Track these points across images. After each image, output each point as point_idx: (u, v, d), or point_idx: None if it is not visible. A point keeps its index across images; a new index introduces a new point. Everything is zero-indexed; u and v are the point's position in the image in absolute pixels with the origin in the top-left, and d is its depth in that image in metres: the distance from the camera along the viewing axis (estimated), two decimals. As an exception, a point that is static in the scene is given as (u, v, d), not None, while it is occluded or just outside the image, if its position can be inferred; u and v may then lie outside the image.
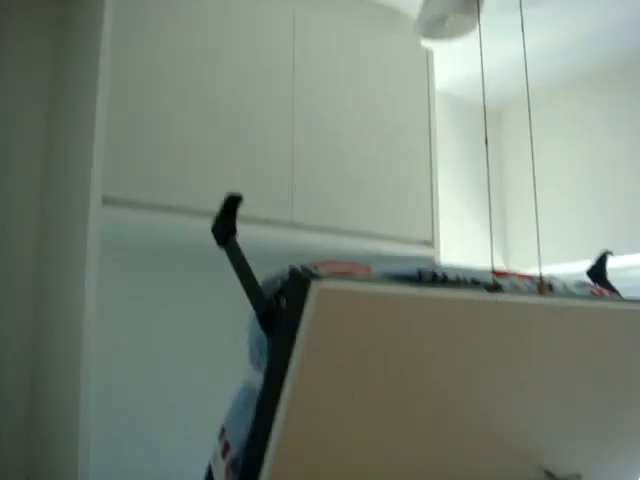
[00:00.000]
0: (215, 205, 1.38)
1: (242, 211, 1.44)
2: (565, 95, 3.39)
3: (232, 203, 1.27)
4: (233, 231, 1.26)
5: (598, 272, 1.71)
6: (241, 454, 1.18)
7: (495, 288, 1.21)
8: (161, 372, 2.21)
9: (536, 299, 1.33)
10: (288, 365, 1.05)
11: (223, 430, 1.27)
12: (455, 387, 1.26)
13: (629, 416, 1.61)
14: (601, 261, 1.72)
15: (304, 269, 1.06)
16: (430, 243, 2.31)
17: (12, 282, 1.98)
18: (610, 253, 1.72)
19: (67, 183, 1.88)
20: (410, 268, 1.22)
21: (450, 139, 3.34)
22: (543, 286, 1.33)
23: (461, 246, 3.27)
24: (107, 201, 1.70)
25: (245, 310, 1.23)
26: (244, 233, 1.31)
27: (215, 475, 1.25)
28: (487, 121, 3.53)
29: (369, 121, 2.22)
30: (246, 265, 1.21)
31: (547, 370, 1.40)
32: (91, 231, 1.66)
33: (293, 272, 1.07)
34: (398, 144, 2.28)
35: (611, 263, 1.73)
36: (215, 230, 1.28)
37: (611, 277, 1.70)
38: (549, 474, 1.47)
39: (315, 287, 1.01)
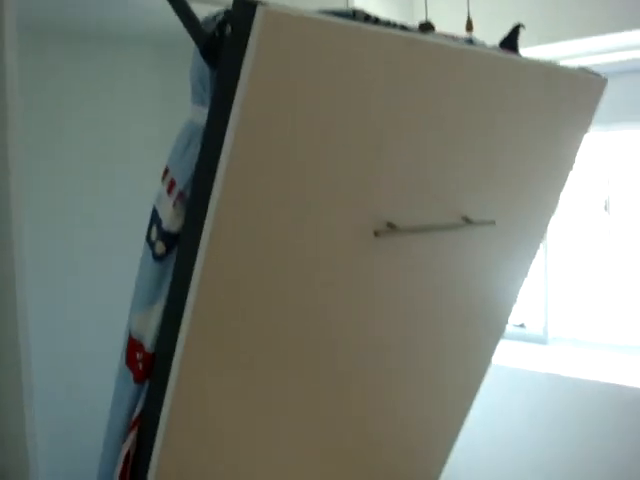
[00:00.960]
0: None
1: None
2: None
3: None
4: None
5: (511, 43, 1.77)
6: (188, 186, 1.25)
7: (427, 27, 1.27)
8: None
9: (461, 45, 1.41)
10: (234, 92, 1.09)
11: (166, 170, 1.32)
12: (388, 135, 1.34)
13: (538, 170, 1.76)
14: (514, 32, 1.78)
15: (248, -1, 1.08)
16: None
17: None
18: (522, 26, 1.78)
19: None
20: (345, 9, 1.26)
21: None
22: (470, 23, 1.39)
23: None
24: None
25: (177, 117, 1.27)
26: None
27: (161, 214, 1.31)
28: None
29: None
30: (185, 2, 1.21)
31: (467, 127, 1.50)
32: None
33: (237, 1, 1.08)
34: None
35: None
36: None
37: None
38: (466, 219, 1.61)
39: (261, 11, 1.04)
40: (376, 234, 1.37)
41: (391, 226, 1.42)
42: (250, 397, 1.43)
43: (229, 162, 1.12)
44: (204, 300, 1.22)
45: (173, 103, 2.33)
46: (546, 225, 1.95)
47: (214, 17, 1.20)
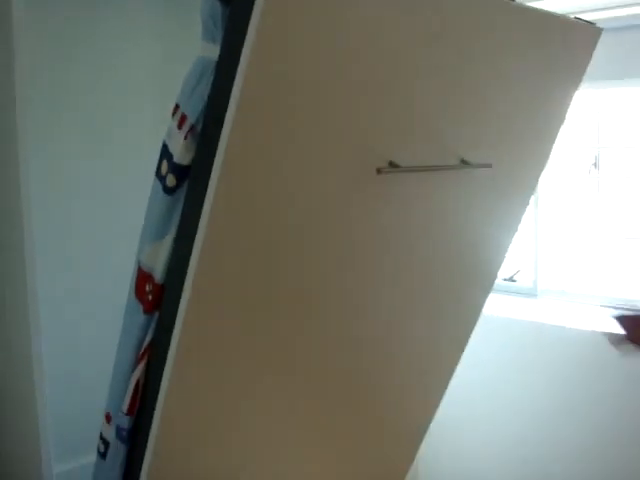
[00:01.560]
0: None
1: None
2: None
3: None
4: None
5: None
6: (199, 120, 1.29)
7: None
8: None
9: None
10: (247, 29, 1.13)
11: (177, 106, 1.36)
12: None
13: (533, 117, 1.81)
14: None
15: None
16: None
17: None
18: None
19: None
20: None
21: None
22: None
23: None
24: None
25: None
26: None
27: (171, 148, 1.36)
28: None
29: None
30: None
31: (465, 70, 1.55)
32: None
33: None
34: None
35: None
36: None
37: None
38: (464, 162, 1.65)
39: None
40: (378, 171, 1.42)
41: (393, 165, 1.47)
42: (254, 338, 1.49)
43: (241, 96, 1.16)
44: (214, 230, 1.27)
45: (176, 39, 2.36)
46: (538, 177, 2.00)
47: None
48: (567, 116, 1.91)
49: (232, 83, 1.17)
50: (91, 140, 2.42)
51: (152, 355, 1.45)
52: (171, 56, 2.40)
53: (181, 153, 1.31)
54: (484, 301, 2.10)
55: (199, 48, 1.33)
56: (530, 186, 2.02)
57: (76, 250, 2.47)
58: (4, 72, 1.61)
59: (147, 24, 2.44)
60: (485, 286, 2.07)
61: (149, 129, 2.27)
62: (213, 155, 1.21)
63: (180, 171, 1.33)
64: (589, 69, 1.85)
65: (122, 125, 2.49)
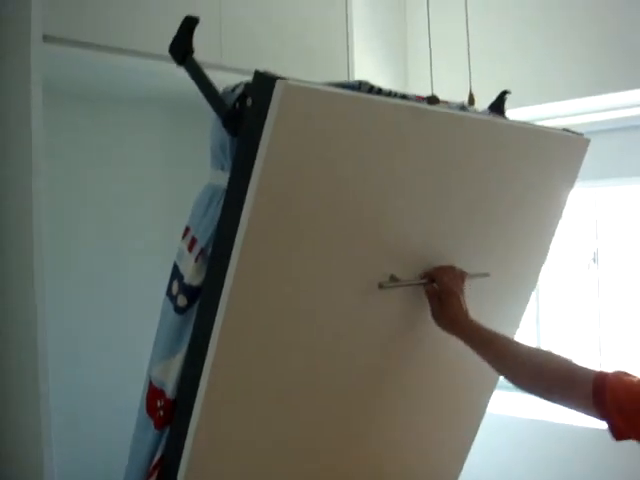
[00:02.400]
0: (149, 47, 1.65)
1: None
2: None
3: (189, 24, 1.34)
4: (190, 50, 1.34)
5: (498, 108, 1.91)
6: (209, 243, 1.35)
7: (434, 100, 1.40)
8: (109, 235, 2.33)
9: (461, 113, 1.54)
10: (254, 159, 1.20)
11: (187, 229, 1.43)
12: (388, 188, 1.47)
13: (529, 224, 1.88)
14: (500, 98, 1.92)
15: (267, 72, 1.20)
16: None
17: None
18: (508, 92, 1.92)
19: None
20: (351, 81, 1.39)
21: None
22: (472, 96, 1.54)
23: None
24: (49, 39, 1.67)
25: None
26: (178, 75, 1.41)
27: (182, 269, 1.41)
28: None
29: None
30: (206, 77, 1.32)
31: (463, 188, 1.63)
32: (34, 67, 1.64)
33: (258, 73, 1.20)
34: None
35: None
36: (172, 50, 1.35)
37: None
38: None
39: (280, 85, 1.16)
40: (380, 286, 1.48)
41: (394, 279, 1.52)
42: (268, 444, 1.51)
43: (249, 222, 1.23)
44: (224, 350, 1.31)
45: (181, 164, 2.46)
46: (537, 275, 2.05)
47: (233, 89, 1.33)
48: (563, 216, 1.98)
49: (241, 209, 1.23)
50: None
51: (162, 472, 1.47)
52: (176, 162, 2.50)
53: (192, 275, 1.37)
54: (488, 399, 2.12)
55: (208, 175, 1.41)
56: (530, 285, 2.07)
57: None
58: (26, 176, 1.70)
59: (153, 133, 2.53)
60: (488, 386, 2.09)
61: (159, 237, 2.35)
62: (223, 278, 1.27)
63: (191, 292, 1.38)
64: (586, 168, 1.93)
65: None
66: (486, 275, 1.75)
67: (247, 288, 1.29)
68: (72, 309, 2.24)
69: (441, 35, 2.83)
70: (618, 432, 1.39)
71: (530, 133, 1.77)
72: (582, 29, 2.84)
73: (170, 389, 1.43)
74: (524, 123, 1.79)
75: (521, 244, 1.89)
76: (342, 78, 2.21)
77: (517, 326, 2.08)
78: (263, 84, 1.19)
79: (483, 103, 1.91)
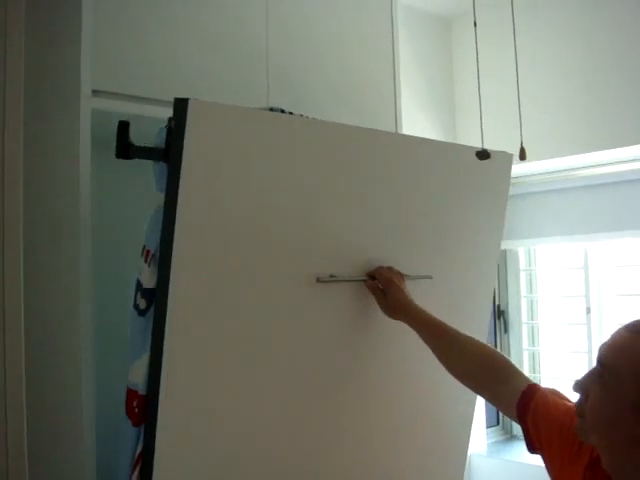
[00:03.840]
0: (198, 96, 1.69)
1: (220, 99, 1.75)
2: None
3: (123, 128, 1.63)
4: (130, 145, 1.63)
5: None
6: (157, 249, 1.60)
7: (485, 155, 1.90)
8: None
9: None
10: (180, 171, 1.48)
11: (143, 247, 1.66)
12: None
13: (467, 234, 2.11)
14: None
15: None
16: None
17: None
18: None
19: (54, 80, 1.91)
20: (268, 107, 1.68)
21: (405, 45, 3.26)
22: (524, 150, 1.96)
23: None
24: (97, 93, 1.75)
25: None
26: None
27: (142, 281, 1.64)
28: (435, 30, 3.59)
29: (337, 22, 2.32)
30: (148, 148, 1.63)
31: (393, 198, 1.89)
32: (83, 121, 1.70)
33: (175, 99, 1.49)
34: (364, 43, 2.39)
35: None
36: (119, 154, 1.63)
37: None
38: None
39: (192, 103, 1.44)
40: (318, 280, 1.71)
41: (333, 277, 1.75)
42: (228, 432, 1.69)
43: (181, 225, 1.49)
44: (178, 342, 1.54)
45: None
46: (487, 282, 2.24)
47: (165, 126, 1.60)
48: (501, 232, 2.18)
49: (174, 219, 1.50)
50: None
51: (143, 462, 1.63)
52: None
53: (147, 278, 1.60)
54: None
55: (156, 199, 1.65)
56: (479, 292, 2.21)
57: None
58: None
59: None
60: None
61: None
62: (168, 277, 1.51)
63: (148, 294, 1.61)
64: (584, 221, 2.07)
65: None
66: (428, 277, 1.94)
67: (189, 285, 1.53)
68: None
69: (489, 87, 2.99)
70: (531, 444, 1.46)
71: (456, 150, 2.06)
72: (633, 80, 2.93)
73: (141, 386, 1.62)
74: (447, 142, 2.13)
75: (462, 250, 2.08)
76: (390, 129, 2.35)
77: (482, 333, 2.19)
78: (180, 106, 1.47)
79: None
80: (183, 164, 1.46)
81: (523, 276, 3.94)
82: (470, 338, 1.68)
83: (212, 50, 1.98)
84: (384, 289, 1.79)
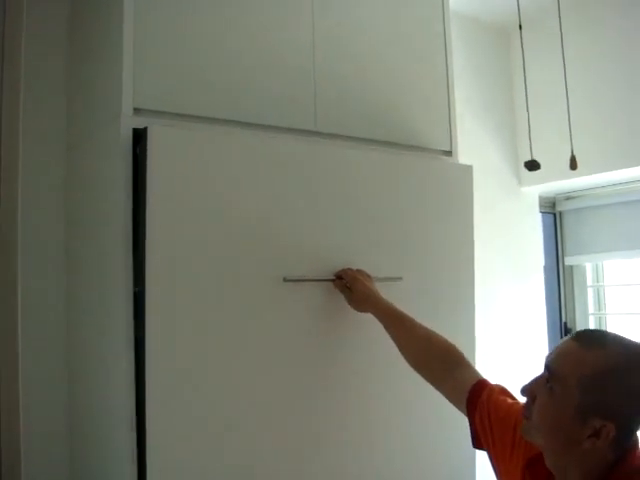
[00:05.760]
0: (242, 114, 1.86)
1: (265, 120, 1.89)
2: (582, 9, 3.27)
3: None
4: None
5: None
6: None
7: (533, 165, 2.26)
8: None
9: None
10: (146, 186, 1.64)
11: None
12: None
13: (436, 239, 2.21)
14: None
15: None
16: (449, 153, 2.36)
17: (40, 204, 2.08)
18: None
19: (95, 100, 1.96)
20: None
21: (459, 55, 3.20)
22: (574, 161, 2.31)
23: (477, 156, 3.50)
24: (138, 111, 1.73)
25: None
26: (269, 142, 1.83)
27: None
28: (495, 42, 3.57)
29: (387, 33, 2.25)
30: None
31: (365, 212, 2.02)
32: (123, 137, 1.69)
33: (136, 129, 1.68)
34: (416, 56, 2.32)
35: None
36: None
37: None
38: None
39: (152, 129, 1.64)
40: (285, 280, 1.82)
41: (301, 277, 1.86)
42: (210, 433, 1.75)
43: (151, 238, 1.65)
44: (155, 345, 1.65)
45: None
46: (467, 285, 2.29)
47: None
48: (473, 238, 2.29)
49: (145, 231, 1.65)
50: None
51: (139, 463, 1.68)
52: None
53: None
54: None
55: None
56: (460, 300, 2.26)
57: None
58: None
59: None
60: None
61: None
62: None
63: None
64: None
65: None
66: (399, 279, 2.04)
67: (161, 290, 1.66)
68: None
69: (544, 100, 3.04)
70: (477, 439, 1.54)
71: (420, 162, 2.19)
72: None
73: None
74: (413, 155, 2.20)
75: (432, 253, 2.18)
76: (445, 149, 2.34)
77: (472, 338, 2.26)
78: (143, 134, 1.66)
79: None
80: (148, 183, 1.63)
81: (591, 292, 3.83)
82: (428, 329, 1.76)
83: (257, 68, 1.95)
84: (350, 286, 1.90)
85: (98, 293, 1.87)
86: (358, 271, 1.93)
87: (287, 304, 1.85)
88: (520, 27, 2.74)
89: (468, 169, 2.29)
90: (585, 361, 1.23)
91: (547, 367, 1.29)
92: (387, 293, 1.89)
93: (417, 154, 2.24)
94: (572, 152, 2.53)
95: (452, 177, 2.25)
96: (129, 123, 1.70)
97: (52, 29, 2.11)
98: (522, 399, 1.36)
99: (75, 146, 2.04)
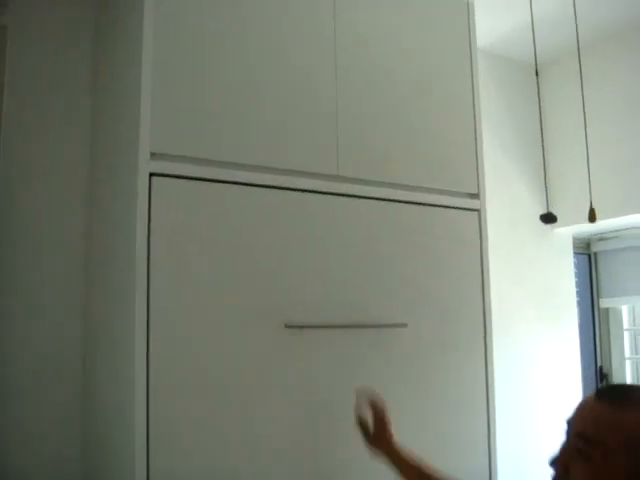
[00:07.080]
0: (261, 159, 1.84)
1: (287, 165, 1.89)
2: (611, 47, 3.34)
3: None
4: None
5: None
6: None
7: (550, 218, 2.12)
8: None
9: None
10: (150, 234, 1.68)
11: None
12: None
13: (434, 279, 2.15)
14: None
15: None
16: (476, 195, 2.30)
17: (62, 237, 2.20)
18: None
19: (114, 144, 1.98)
20: None
21: (489, 95, 3.37)
22: (593, 213, 2.26)
23: (505, 197, 3.46)
24: (155, 156, 1.73)
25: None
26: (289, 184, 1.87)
27: None
28: (524, 79, 3.53)
29: (412, 74, 2.22)
30: None
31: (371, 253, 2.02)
32: (140, 184, 1.70)
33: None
34: (442, 97, 2.27)
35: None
36: None
37: None
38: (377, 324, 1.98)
39: (155, 181, 1.70)
40: (286, 326, 1.82)
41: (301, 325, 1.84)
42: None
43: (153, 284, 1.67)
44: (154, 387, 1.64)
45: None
46: (479, 343, 2.20)
47: None
48: (484, 285, 2.22)
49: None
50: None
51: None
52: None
53: None
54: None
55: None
56: (468, 350, 2.18)
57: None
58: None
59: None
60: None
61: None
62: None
63: None
64: None
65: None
66: (404, 325, 2.01)
67: (162, 331, 1.66)
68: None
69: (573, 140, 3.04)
70: None
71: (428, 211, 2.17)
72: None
73: None
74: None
75: (438, 301, 2.13)
76: (472, 191, 2.29)
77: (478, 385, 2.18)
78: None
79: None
80: (151, 233, 1.67)
81: (627, 336, 3.73)
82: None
83: (278, 110, 1.92)
84: (373, 434, 1.81)
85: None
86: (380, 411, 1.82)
87: (288, 351, 1.85)
88: (537, 73, 2.72)
89: (474, 214, 2.28)
90: (623, 423, 1.17)
91: (580, 434, 1.21)
92: (389, 340, 1.94)
93: (441, 197, 2.20)
94: (591, 204, 2.45)
95: (460, 221, 2.23)
96: (146, 168, 1.71)
97: (79, 70, 2.28)
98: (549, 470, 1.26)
99: (101, 181, 2.13)
